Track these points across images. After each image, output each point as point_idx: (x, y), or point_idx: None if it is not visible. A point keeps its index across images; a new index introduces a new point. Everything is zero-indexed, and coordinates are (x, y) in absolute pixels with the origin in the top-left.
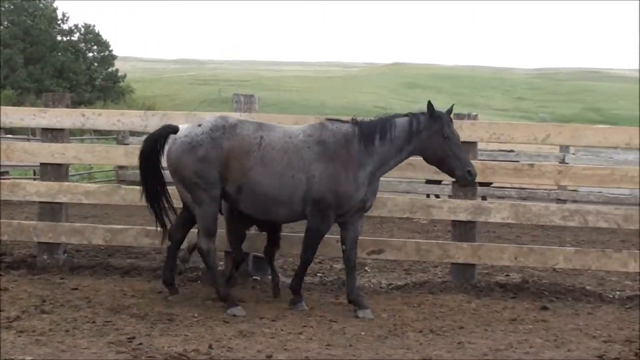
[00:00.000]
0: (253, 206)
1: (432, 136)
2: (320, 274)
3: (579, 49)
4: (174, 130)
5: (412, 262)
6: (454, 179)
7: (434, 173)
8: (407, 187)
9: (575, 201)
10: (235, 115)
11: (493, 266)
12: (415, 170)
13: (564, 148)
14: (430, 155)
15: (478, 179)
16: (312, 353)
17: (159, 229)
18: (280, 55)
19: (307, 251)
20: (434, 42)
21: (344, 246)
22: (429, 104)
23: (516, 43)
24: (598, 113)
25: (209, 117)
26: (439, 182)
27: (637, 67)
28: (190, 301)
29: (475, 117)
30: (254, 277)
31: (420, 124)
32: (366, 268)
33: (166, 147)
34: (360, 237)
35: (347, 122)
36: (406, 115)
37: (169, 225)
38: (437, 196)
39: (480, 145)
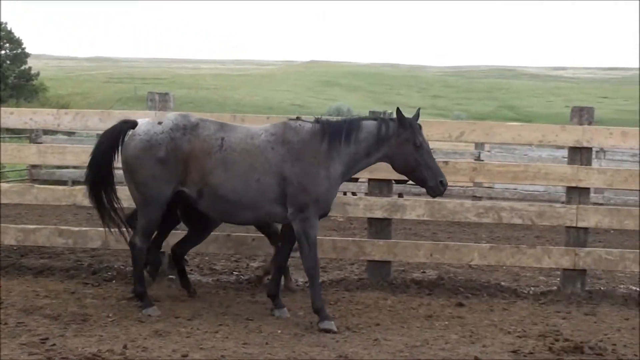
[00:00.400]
0: (214, 209)
1: (403, 144)
2: (236, 273)
3: (493, 47)
4: (133, 125)
5: (328, 259)
6: (425, 189)
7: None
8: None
9: (490, 198)
10: (150, 114)
11: (409, 263)
12: None
13: (479, 145)
14: (400, 164)
15: (393, 177)
16: (228, 352)
17: (110, 229)
18: (196, 54)
19: (306, 261)
20: (350, 40)
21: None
22: (398, 110)
23: (431, 41)
24: (512, 110)
25: (170, 115)
26: (356, 180)
27: (551, 65)
28: (105, 301)
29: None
30: (170, 276)
31: (389, 130)
32: None
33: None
34: None
35: (309, 121)
36: (374, 119)
37: (113, 226)
38: (353, 194)
39: None
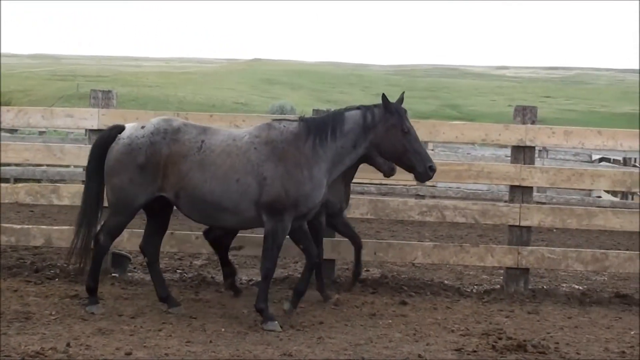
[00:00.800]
0: (194, 212)
1: (390, 130)
2: (180, 271)
3: (436, 46)
4: (120, 130)
5: None
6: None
7: None
8: None
9: (433, 197)
10: (94, 112)
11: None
12: None
13: (423, 144)
14: (388, 150)
15: None
16: (172, 350)
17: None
18: (139, 51)
19: (266, 260)
20: (294, 38)
21: (300, 245)
22: (384, 97)
23: (374, 40)
24: (455, 109)
25: (154, 119)
26: None
27: (494, 64)
28: (48, 299)
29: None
30: (113, 274)
31: (375, 117)
32: None
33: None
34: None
35: (294, 120)
36: (358, 108)
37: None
38: None
39: None
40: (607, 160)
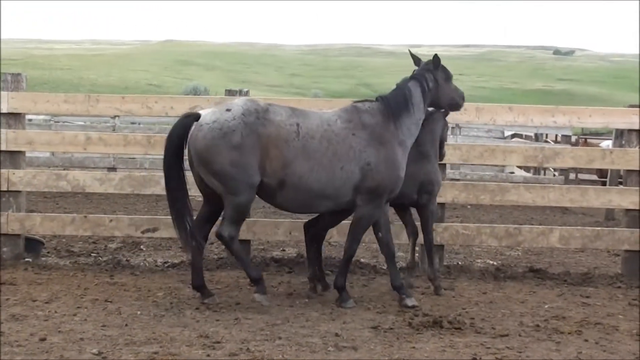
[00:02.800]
0: (293, 201)
1: (442, 86)
2: (94, 254)
3: (349, 26)
4: (197, 117)
5: None
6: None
7: None
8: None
9: None
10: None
11: (269, 242)
12: None
13: None
14: (444, 102)
15: None
16: (87, 334)
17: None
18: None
19: (353, 242)
20: (207, 19)
21: (379, 234)
22: (436, 57)
23: (287, 20)
24: (369, 88)
25: (237, 100)
26: None
27: (407, 43)
28: None
29: (246, 94)
30: (26, 259)
31: (430, 83)
32: (141, 247)
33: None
34: (135, 216)
35: (372, 100)
36: (413, 78)
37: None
38: None
39: None
40: (519, 136)
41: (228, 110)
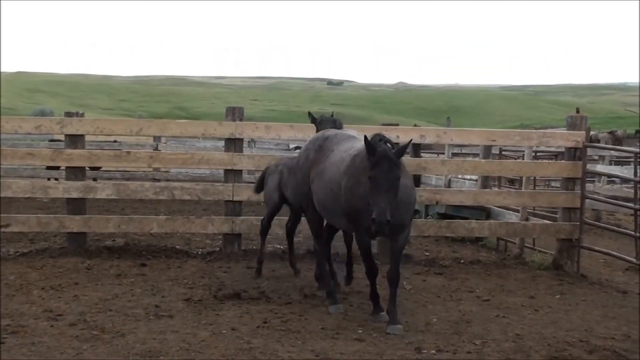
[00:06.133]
0: None
1: None
2: None
3: (167, 59)
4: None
5: (35, 233)
6: None
7: (49, 161)
8: (30, 172)
9: (167, 180)
10: None
11: (102, 233)
12: (34, 158)
13: (157, 138)
14: None
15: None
16: None
17: None
18: None
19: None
20: (52, 52)
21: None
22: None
23: (116, 53)
24: (184, 111)
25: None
26: (57, 168)
27: (213, 75)
28: None
29: (82, 115)
30: None
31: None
32: None
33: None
34: None
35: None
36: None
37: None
38: (56, 179)
39: (88, 138)
40: (299, 148)
41: None
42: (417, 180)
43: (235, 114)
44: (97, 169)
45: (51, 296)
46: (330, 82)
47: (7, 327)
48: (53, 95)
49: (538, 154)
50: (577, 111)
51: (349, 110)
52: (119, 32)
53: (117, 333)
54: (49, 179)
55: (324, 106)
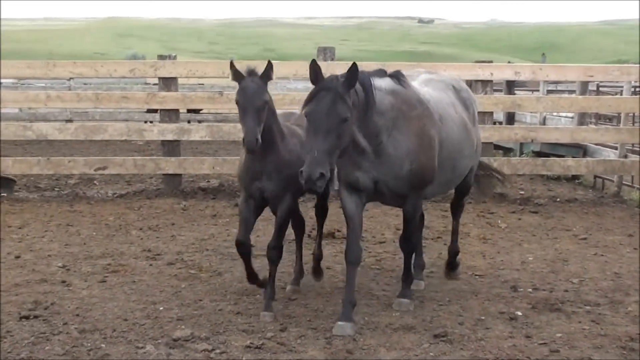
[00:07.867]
0: None
1: None
2: (57, 189)
3: (256, 3)
4: None
5: (131, 175)
6: None
7: (144, 104)
8: (125, 116)
9: None
10: None
11: (197, 175)
12: (128, 101)
13: None
14: None
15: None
16: (54, 252)
17: None
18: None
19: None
20: None
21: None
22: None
23: None
24: (273, 52)
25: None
26: (155, 111)
27: (302, 15)
28: None
29: (175, 58)
30: (2, 194)
31: None
32: (95, 182)
33: None
34: (87, 158)
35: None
36: None
37: None
38: (151, 122)
39: (180, 81)
40: None
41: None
42: (511, 117)
43: (326, 54)
44: (197, 112)
45: (149, 236)
46: (420, 20)
47: (107, 266)
48: (143, 40)
49: (637, 89)
50: None
51: (440, 49)
52: None
53: (214, 272)
54: (145, 122)
55: (413, 45)
